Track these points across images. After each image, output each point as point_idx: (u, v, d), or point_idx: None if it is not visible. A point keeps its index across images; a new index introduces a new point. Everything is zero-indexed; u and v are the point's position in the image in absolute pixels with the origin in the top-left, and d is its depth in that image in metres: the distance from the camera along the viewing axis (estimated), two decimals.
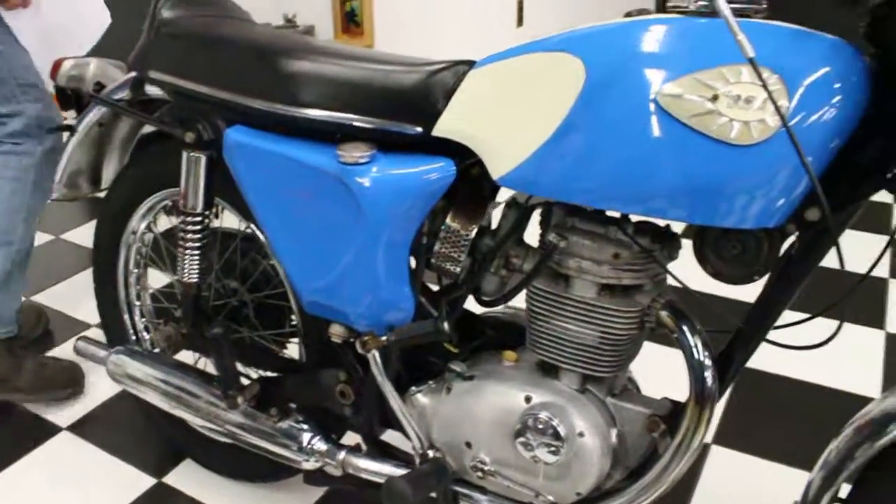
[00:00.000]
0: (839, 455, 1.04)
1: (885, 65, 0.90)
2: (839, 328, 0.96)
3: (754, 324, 1.06)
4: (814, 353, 1.99)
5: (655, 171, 0.92)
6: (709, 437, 1.82)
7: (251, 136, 1.20)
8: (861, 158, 0.94)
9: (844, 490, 1.07)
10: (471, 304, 1.22)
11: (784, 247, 1.01)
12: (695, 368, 1.06)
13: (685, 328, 1.07)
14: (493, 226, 1.21)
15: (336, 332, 1.24)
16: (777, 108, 0.83)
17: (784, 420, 1.88)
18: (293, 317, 1.43)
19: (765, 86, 0.82)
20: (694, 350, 1.06)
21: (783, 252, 1.01)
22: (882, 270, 2.52)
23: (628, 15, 1.01)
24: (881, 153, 0.93)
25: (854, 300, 2.30)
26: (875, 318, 2.28)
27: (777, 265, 1.03)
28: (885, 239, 2.64)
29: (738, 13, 0.94)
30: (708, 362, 1.06)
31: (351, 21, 3.04)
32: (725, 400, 1.94)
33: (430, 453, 1.23)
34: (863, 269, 1.04)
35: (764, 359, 2.07)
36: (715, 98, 0.88)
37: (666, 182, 0.92)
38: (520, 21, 3.28)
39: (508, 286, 1.19)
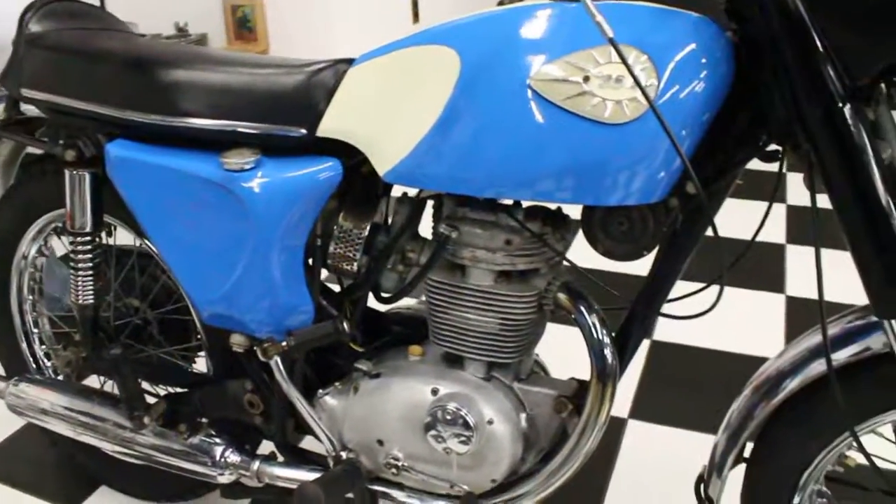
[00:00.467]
0: (740, 415, 1.09)
1: (745, 39, 0.94)
2: (719, 295, 1.00)
3: (647, 299, 1.10)
4: (720, 321, 2.08)
5: (536, 155, 0.95)
6: (625, 413, 1.88)
7: (133, 150, 1.18)
8: (732, 129, 0.98)
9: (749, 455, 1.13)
10: (376, 303, 1.23)
11: (669, 220, 1.05)
12: (594, 347, 1.09)
13: (582, 308, 1.10)
14: (388, 221, 1.23)
15: (237, 341, 1.24)
16: (640, 86, 0.86)
17: (696, 388, 1.95)
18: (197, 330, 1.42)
19: (626, 64, 0.84)
20: (592, 329, 1.09)
21: (669, 226, 1.05)
22: (780, 236, 2.62)
23: (501, 3, 1.04)
24: (750, 123, 0.98)
25: (756, 266, 2.39)
26: (776, 283, 2.38)
27: (664, 239, 1.06)
28: (782, 207, 2.75)
29: None
30: (606, 340, 1.09)
31: (243, 27, 3.00)
32: (639, 375, 2.00)
33: (344, 455, 1.24)
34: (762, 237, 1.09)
35: (673, 331, 2.15)
36: (587, 79, 0.91)
37: (547, 165, 0.95)
38: (416, 17, 3.29)
39: (406, 281, 1.20)
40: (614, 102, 0.90)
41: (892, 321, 0.89)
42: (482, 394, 1.15)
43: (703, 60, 0.92)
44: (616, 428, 1.83)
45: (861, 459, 1.02)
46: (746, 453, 1.14)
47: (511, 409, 1.15)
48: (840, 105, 0.85)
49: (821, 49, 0.85)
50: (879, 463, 1.01)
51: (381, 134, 1.04)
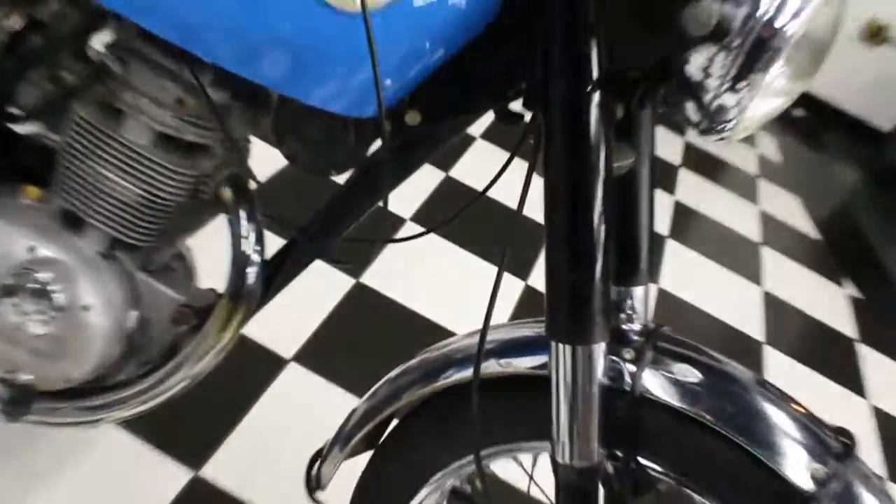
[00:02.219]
0: (388, 390, 1.02)
1: None
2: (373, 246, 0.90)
3: (318, 231, 0.98)
4: (439, 284, 2.03)
5: (241, 10, 0.79)
6: (290, 354, 1.79)
7: None
8: (481, 65, 0.88)
9: None
10: None
11: (374, 146, 0.94)
12: (238, 260, 0.99)
13: (242, 213, 0.97)
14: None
15: None
16: None
17: (381, 347, 1.88)
18: None
19: None
20: (243, 240, 0.98)
21: (371, 151, 0.94)
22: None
23: None
24: (503, 67, 0.87)
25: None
26: (522, 270, 2.37)
27: (361, 167, 0.95)
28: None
29: None
30: (256, 258, 0.99)
31: None
32: (323, 317, 1.90)
33: None
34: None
35: (381, 278, 2.06)
36: None
37: (251, 28, 0.79)
38: None
39: (46, 103, 1.00)
40: None
41: (558, 344, 0.83)
42: (90, 271, 0.99)
43: None
44: (274, 365, 1.74)
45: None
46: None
47: (121, 302, 1.00)
48: (588, 88, 0.76)
49: (591, 19, 0.76)
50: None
51: None
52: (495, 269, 2.19)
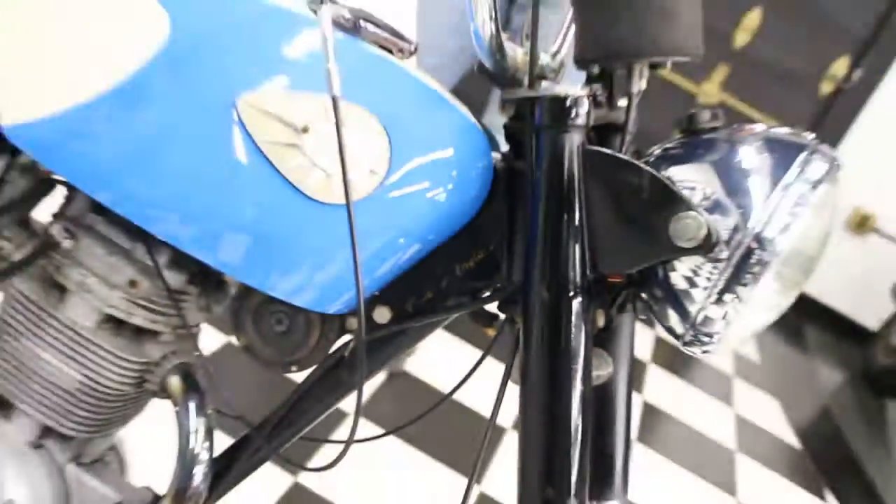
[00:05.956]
0: None
1: (510, 172, 0.93)
2: (344, 450, 0.94)
3: (273, 428, 1.02)
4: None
5: (206, 194, 0.87)
6: None
7: None
8: (455, 268, 0.95)
9: None
10: None
11: (338, 343, 0.99)
12: (185, 458, 1.01)
13: (191, 405, 1.01)
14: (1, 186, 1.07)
15: None
16: (343, 171, 0.80)
17: None
18: None
19: (339, 134, 0.78)
20: (192, 436, 1.01)
21: (336, 349, 0.99)
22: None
23: None
24: (476, 270, 0.95)
25: (448, 428, 2.40)
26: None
27: (322, 364, 1.00)
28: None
29: (376, 42, 0.91)
30: (204, 456, 1.01)
31: None
32: None
33: None
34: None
35: (325, 480, 2.07)
36: (305, 130, 0.84)
37: (215, 213, 0.87)
38: None
39: None
40: (325, 174, 0.84)
41: None
42: (17, 462, 1.02)
43: (454, 173, 0.90)
44: None
45: None
46: None
47: (47, 497, 1.03)
48: (571, 293, 0.84)
49: (577, 222, 0.85)
50: None
51: (28, 73, 0.91)
52: (451, 474, 2.24)
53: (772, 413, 3.74)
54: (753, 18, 4.82)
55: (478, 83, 1.24)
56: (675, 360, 3.68)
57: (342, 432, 2.00)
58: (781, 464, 3.34)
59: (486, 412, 0.92)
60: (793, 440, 3.59)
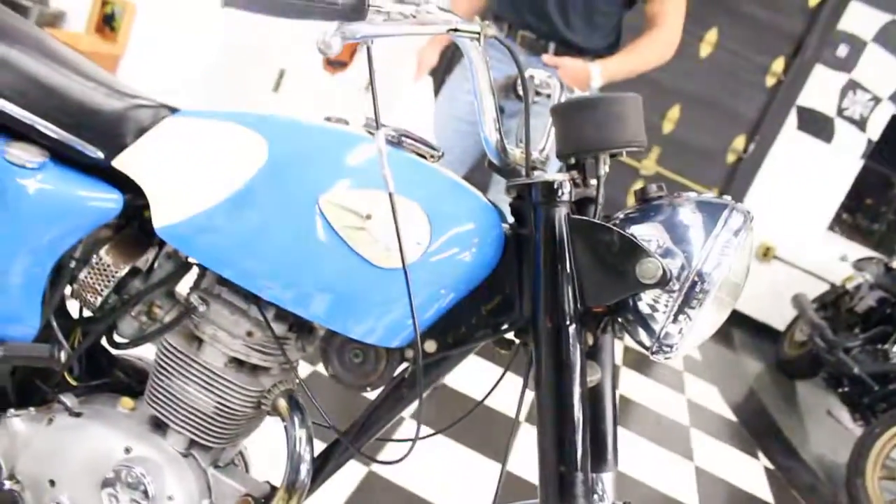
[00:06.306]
0: None
1: (516, 237, 0.92)
2: (411, 449, 0.93)
3: (357, 433, 1.01)
4: (440, 473, 2.01)
5: (302, 268, 0.88)
6: None
7: None
8: (481, 308, 0.95)
9: None
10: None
11: (400, 368, 0.98)
12: (293, 459, 1.00)
13: (295, 419, 1.00)
14: (154, 269, 1.08)
15: None
16: (400, 245, 0.81)
17: None
18: None
19: (395, 221, 0.79)
20: (297, 442, 1.00)
21: (398, 372, 0.98)
22: (510, 409, 2.61)
23: (328, 120, 0.97)
24: (497, 309, 0.95)
25: (487, 431, 2.36)
26: (499, 452, 2.35)
27: (391, 383, 0.99)
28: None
29: (414, 151, 0.92)
30: (307, 457, 1.00)
31: (107, 24, 2.67)
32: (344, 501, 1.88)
33: (7, 484, 1.03)
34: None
35: (395, 469, 2.04)
36: (369, 217, 0.85)
37: (309, 280, 0.88)
38: (276, 87, 3.16)
39: (144, 333, 1.05)
40: (385, 247, 0.85)
41: None
42: (174, 467, 1.01)
43: (475, 240, 0.90)
44: None
45: None
46: None
47: (196, 492, 1.02)
48: (567, 323, 0.84)
49: (568, 271, 0.85)
50: None
51: (170, 189, 0.93)
52: (481, 458, 2.21)
53: (713, 396, 3.68)
54: (675, 111, 4.84)
55: (482, 172, 1.25)
56: (640, 363, 3.63)
57: (401, 432, 1.98)
58: (724, 434, 3.28)
59: (505, 410, 0.91)
60: (730, 415, 3.53)
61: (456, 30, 0.82)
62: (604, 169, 0.88)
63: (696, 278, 0.81)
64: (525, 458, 2.27)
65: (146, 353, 1.13)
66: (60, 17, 2.73)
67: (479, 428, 2.28)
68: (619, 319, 0.88)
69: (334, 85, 3.68)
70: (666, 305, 0.83)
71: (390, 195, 0.79)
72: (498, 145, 0.91)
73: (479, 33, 0.85)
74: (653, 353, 0.86)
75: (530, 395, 0.88)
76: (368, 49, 0.76)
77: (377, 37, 0.75)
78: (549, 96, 1.05)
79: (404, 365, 0.98)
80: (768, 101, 4.80)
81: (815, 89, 4.75)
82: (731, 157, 4.92)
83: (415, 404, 0.94)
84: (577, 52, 2.15)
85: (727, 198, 0.86)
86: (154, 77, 2.68)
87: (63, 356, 0.99)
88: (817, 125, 4.82)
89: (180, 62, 2.74)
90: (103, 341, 1.09)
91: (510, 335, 0.95)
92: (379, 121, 0.80)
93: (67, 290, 1.05)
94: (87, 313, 1.09)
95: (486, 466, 2.23)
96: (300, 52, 3.26)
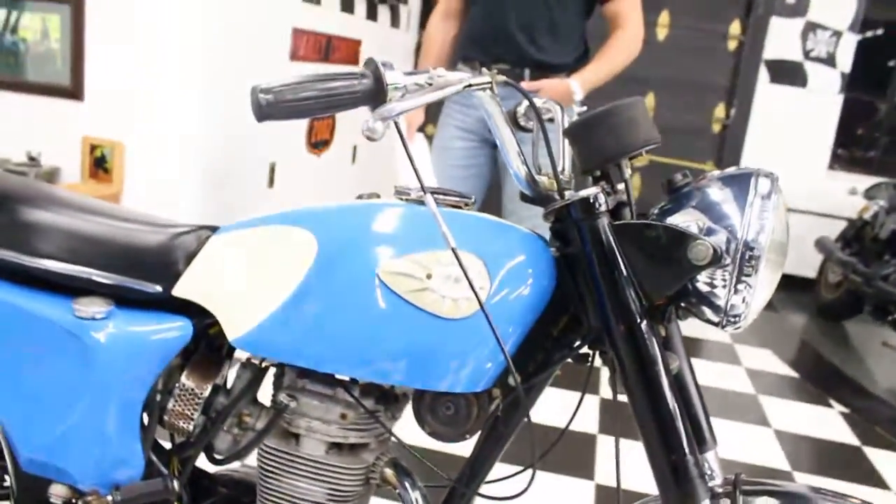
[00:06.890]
0: None
1: (566, 256, 0.96)
2: (532, 479, 0.95)
3: (467, 479, 1.04)
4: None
5: (377, 339, 0.92)
6: None
7: None
8: (551, 332, 0.99)
9: None
10: (203, 462, 1.10)
11: (492, 408, 1.01)
12: None
13: (407, 484, 1.03)
14: (229, 384, 1.12)
15: (57, 492, 1.07)
16: (474, 291, 0.86)
17: None
18: (6, 477, 1.22)
19: (464, 272, 0.84)
20: (415, 503, 1.01)
21: (490, 413, 1.01)
22: (593, 426, 2.63)
23: (359, 197, 1.02)
24: (566, 328, 0.98)
25: (569, 453, 2.37)
26: (586, 470, 2.35)
27: (486, 425, 1.02)
28: (595, 399, 2.79)
29: (450, 205, 0.97)
30: None
31: (100, 167, 2.79)
32: None
33: None
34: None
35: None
36: (429, 276, 0.89)
37: (387, 349, 0.92)
38: (270, 183, 3.25)
39: (241, 444, 1.09)
40: (452, 300, 0.89)
41: None
42: None
43: (529, 270, 0.93)
44: None
45: None
46: None
47: None
48: (638, 321, 0.87)
49: (625, 274, 0.89)
50: None
51: (235, 302, 0.97)
52: (568, 478, 2.21)
53: (769, 359, 3.67)
54: (650, 99, 4.91)
55: (489, 207, 1.28)
56: (689, 347, 3.62)
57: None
58: (791, 392, 3.26)
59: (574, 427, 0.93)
60: (791, 372, 3.51)
61: (470, 85, 0.88)
62: (627, 172, 0.92)
63: (744, 248, 0.85)
64: (607, 468, 2.27)
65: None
66: (56, 172, 2.82)
67: (556, 451, 2.29)
68: (683, 305, 0.91)
69: (321, 164, 3.78)
70: (724, 280, 0.86)
71: (453, 250, 0.84)
72: (528, 177, 0.96)
73: (490, 83, 0.90)
74: (723, 328, 0.89)
75: (592, 405, 0.90)
76: (396, 124, 0.81)
77: (408, 111, 0.81)
78: (551, 120, 1.10)
79: (494, 404, 1.00)
80: (736, 64, 4.88)
81: (776, 41, 4.84)
82: (716, 127, 4.98)
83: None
84: (551, 71, 2.22)
85: (750, 167, 0.90)
86: (156, 202, 2.77)
87: (176, 485, 1.02)
88: (789, 74, 4.89)
89: (175, 183, 2.83)
90: (200, 462, 1.13)
91: (584, 349, 0.98)
92: (424, 186, 0.84)
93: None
94: (177, 439, 1.13)
95: (576, 486, 2.24)
96: (284, 142, 3.36)
